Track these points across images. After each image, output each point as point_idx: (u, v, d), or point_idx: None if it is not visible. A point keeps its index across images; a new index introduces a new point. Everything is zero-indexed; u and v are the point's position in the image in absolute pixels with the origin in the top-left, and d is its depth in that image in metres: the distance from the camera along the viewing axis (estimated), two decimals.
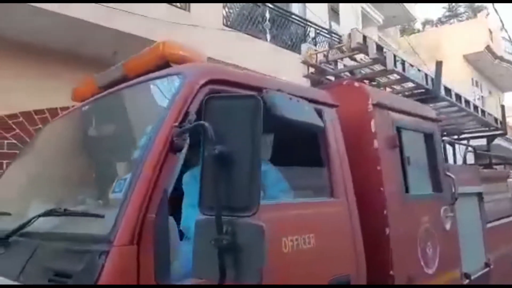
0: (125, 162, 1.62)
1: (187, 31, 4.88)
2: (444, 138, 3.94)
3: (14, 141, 4.07)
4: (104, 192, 1.65)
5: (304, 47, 3.33)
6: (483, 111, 4.90)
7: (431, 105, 4.21)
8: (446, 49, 17.01)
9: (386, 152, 2.65)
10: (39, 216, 1.63)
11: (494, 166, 5.45)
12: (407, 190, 2.79)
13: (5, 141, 4.23)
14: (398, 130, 2.82)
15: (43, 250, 1.57)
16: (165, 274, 1.38)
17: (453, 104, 4.13)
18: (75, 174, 1.96)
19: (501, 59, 17.82)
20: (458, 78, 16.57)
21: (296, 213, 2.04)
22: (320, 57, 3.41)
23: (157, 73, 2.02)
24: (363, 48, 3.02)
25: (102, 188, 1.67)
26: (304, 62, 3.28)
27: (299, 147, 2.41)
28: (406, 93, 3.72)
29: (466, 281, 3.17)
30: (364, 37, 3.06)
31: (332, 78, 3.66)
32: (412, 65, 3.35)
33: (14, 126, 4.31)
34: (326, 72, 3.53)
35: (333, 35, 7.58)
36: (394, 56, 3.12)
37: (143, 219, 1.41)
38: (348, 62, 3.64)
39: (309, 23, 6.95)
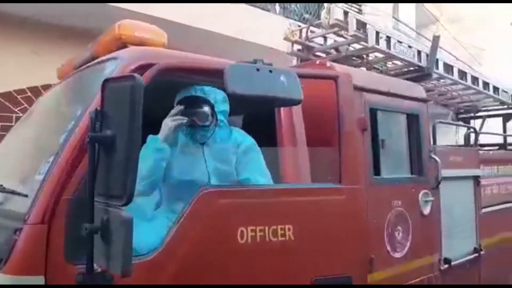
0: (54, 145, 1.70)
1: (189, 5, 4.87)
2: (441, 120, 3.77)
3: (21, 114, 4.32)
4: (38, 172, 1.76)
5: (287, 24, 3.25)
6: (496, 88, 4.60)
7: (433, 82, 4.05)
8: (494, 15, 15.85)
9: (354, 134, 2.59)
10: None
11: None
12: (378, 173, 2.74)
13: (14, 115, 4.50)
14: (373, 111, 2.75)
15: None
16: (73, 255, 1.45)
17: (456, 81, 3.92)
18: (29, 152, 2.09)
19: None
20: (505, 48, 15.50)
21: (270, 201, 1.97)
22: (306, 33, 3.33)
23: (102, 58, 2.07)
24: (342, 25, 2.92)
25: (36, 168, 1.78)
26: (286, 39, 3.22)
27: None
28: (397, 71, 3.57)
29: (445, 266, 3.11)
30: (346, 13, 2.95)
31: (323, 55, 3.59)
32: (400, 42, 3.20)
33: (22, 101, 4.56)
34: (313, 49, 3.46)
35: (353, 4, 7.25)
36: (377, 33, 2.99)
37: (56, 200, 1.50)
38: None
39: None
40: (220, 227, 1.79)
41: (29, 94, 4.62)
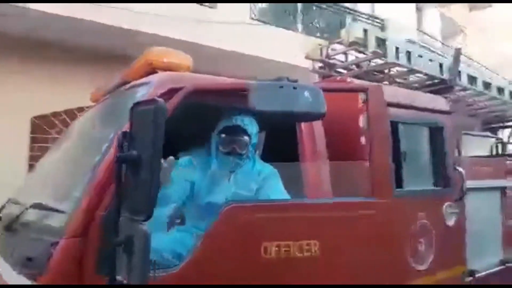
0: (89, 165, 1.83)
1: (214, 27, 5.05)
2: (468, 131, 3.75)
3: (57, 136, 4.57)
4: (74, 190, 1.90)
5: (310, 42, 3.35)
6: None
7: (460, 93, 4.04)
8: None
9: (374, 147, 2.63)
10: (26, 208, 1.93)
11: None
12: (400, 186, 2.76)
13: (49, 136, 4.77)
14: (394, 124, 2.78)
15: (26, 238, 1.87)
16: (103, 268, 1.53)
17: (481, 93, 3.90)
18: (66, 172, 2.25)
19: None
20: None
21: (296, 215, 1.96)
22: (326, 51, 3.42)
23: (134, 83, 2.23)
24: (361, 42, 2.99)
25: (73, 187, 1.92)
26: (308, 57, 3.31)
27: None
28: (420, 84, 3.60)
29: (470, 279, 3.07)
30: (365, 30, 3.02)
31: (344, 71, 3.66)
32: (421, 56, 3.24)
33: (57, 123, 4.83)
34: (335, 66, 3.54)
35: (375, 19, 7.32)
36: (397, 48, 3.04)
37: (91, 216, 1.62)
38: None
39: (344, 8, 6.75)
40: (244, 242, 1.82)
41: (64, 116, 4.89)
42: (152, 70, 2.32)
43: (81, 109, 3.61)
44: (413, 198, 2.78)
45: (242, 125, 2.18)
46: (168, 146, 1.54)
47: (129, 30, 4.60)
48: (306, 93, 1.84)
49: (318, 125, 2.45)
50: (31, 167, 2.91)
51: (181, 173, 2.13)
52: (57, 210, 1.75)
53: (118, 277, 1.42)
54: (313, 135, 2.42)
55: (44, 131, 4.82)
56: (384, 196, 2.26)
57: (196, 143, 2.39)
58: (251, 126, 2.23)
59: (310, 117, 1.97)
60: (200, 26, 4.90)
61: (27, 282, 1.64)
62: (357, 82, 2.79)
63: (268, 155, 2.63)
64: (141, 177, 1.38)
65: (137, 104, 1.52)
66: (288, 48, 5.26)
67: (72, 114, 4.66)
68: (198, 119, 2.20)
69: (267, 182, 2.23)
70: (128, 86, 2.32)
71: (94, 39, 4.73)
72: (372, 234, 2.15)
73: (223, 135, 2.19)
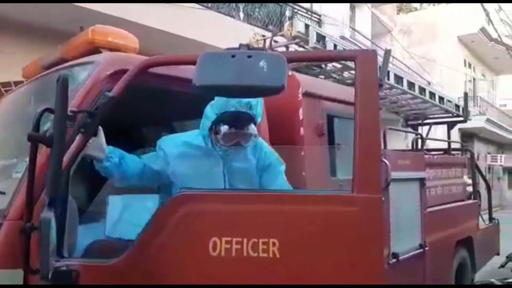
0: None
1: (159, 8, 4.93)
2: (390, 126, 4.09)
3: None
4: (13, 171, 1.82)
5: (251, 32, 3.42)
6: (441, 98, 5.02)
7: (386, 91, 4.36)
8: (442, 29, 16.90)
9: (312, 139, 2.81)
10: None
11: (455, 152, 5.64)
12: (334, 175, 2.97)
13: None
14: (330, 117, 2.97)
15: None
16: (47, 251, 1.45)
17: (405, 91, 4.26)
18: (5, 151, 2.12)
19: (496, 41, 17.64)
20: (451, 59, 16.55)
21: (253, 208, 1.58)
22: (270, 42, 3.52)
23: (77, 61, 2.15)
24: (303, 37, 3.13)
25: (14, 167, 1.83)
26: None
27: None
28: (351, 81, 3.84)
29: (393, 260, 3.38)
30: (307, 26, 3.17)
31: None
32: None
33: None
34: None
35: (313, 14, 7.58)
36: (335, 45, 3.23)
37: (34, 198, 1.56)
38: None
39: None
40: (190, 236, 1.55)
41: None
42: (95, 49, 2.25)
43: (6, 84, 3.37)
44: (345, 186, 3.00)
45: (248, 110, 1.84)
46: (125, 131, 1.50)
47: (66, 5, 4.34)
48: (263, 63, 1.45)
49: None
50: None
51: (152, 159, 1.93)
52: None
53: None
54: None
55: None
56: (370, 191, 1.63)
57: (159, 127, 2.30)
58: (259, 106, 1.88)
59: (265, 91, 1.52)
60: (144, 6, 4.76)
61: None
62: (298, 75, 2.93)
63: None
64: (50, 160, 1.35)
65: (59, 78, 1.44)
66: (231, 36, 5.30)
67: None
68: (157, 101, 2.14)
69: (274, 169, 1.99)
70: (68, 64, 2.23)
71: (28, 11, 4.39)
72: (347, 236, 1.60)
73: (224, 127, 1.82)
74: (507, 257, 4.17)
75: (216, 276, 1.53)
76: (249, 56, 1.46)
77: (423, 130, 5.78)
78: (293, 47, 3.73)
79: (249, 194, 1.72)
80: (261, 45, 3.43)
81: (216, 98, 1.89)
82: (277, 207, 1.58)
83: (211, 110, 1.89)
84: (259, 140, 1.99)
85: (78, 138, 1.61)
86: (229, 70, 1.44)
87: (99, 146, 1.71)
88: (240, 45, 1.53)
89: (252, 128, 1.87)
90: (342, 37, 8.08)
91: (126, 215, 2.15)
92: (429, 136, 5.59)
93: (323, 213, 1.58)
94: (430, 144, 6.07)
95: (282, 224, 1.55)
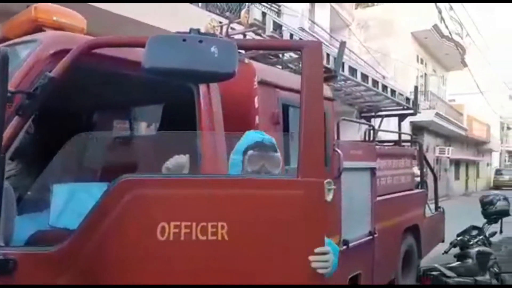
0: None
1: None
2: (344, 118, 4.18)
3: None
4: None
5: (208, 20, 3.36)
6: (393, 91, 5.18)
7: (341, 83, 4.44)
8: (397, 24, 17.44)
9: (267, 128, 2.81)
10: None
11: (405, 144, 5.87)
12: (288, 163, 3.00)
13: None
14: (285, 107, 2.99)
15: None
16: None
17: (359, 83, 4.36)
18: None
19: (447, 38, 18.47)
20: (404, 55, 17.15)
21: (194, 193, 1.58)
22: (226, 29, 3.47)
23: (20, 39, 2.03)
24: (260, 25, 3.11)
25: None
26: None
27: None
28: None
29: (344, 247, 3.49)
30: (264, 14, 3.15)
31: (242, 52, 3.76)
32: None
33: None
34: None
35: (273, 5, 7.57)
36: (291, 35, 3.24)
37: None
38: None
39: None
40: (137, 221, 1.53)
41: None
42: (39, 28, 2.14)
43: None
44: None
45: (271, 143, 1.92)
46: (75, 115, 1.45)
47: None
48: (214, 48, 1.47)
49: (215, 98, 2.51)
50: None
51: None
52: None
53: None
54: (210, 108, 2.46)
55: None
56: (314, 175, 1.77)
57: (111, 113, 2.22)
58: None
59: (216, 77, 1.57)
60: None
61: None
62: (255, 63, 2.92)
63: (166, 128, 2.63)
64: None
65: None
66: (189, 23, 5.19)
67: None
68: (106, 85, 2.06)
69: None
70: (9, 43, 2.10)
71: None
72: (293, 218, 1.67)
73: (251, 152, 1.87)
74: (450, 243, 4.40)
75: (164, 260, 1.52)
76: (200, 41, 1.47)
77: (376, 122, 5.96)
78: (250, 35, 3.71)
79: (198, 179, 1.72)
80: (217, 32, 3.38)
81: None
82: (225, 191, 1.61)
83: (238, 152, 1.94)
84: None
85: (15, 120, 1.52)
86: (180, 54, 1.45)
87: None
88: (191, 29, 1.52)
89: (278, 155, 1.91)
90: (301, 29, 8.15)
91: (72, 204, 2.08)
92: (383, 128, 5.79)
93: (270, 197, 1.64)
94: (382, 136, 6.28)
95: (231, 208, 1.58)
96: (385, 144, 5.61)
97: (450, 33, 17.49)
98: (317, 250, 1.63)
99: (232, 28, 3.51)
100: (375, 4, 19.19)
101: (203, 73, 1.50)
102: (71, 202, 2.08)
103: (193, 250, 1.52)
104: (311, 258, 1.61)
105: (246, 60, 2.93)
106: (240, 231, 1.56)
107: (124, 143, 2.69)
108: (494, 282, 4.06)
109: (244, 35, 3.67)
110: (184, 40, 1.46)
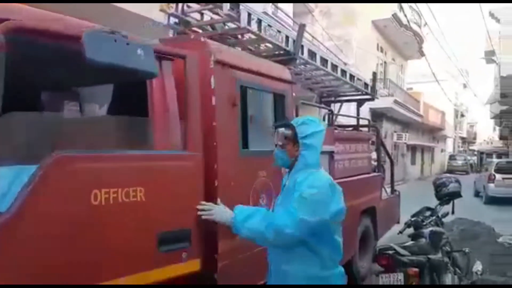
0: None
1: None
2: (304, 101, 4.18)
3: None
4: None
5: None
6: (352, 76, 5.23)
7: (301, 67, 4.42)
8: (358, 12, 17.66)
9: (224, 109, 2.75)
10: None
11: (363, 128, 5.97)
12: (246, 146, 2.96)
13: None
14: (243, 88, 2.94)
15: None
16: None
17: (318, 67, 4.36)
18: None
19: (406, 27, 18.93)
20: (365, 42, 17.45)
21: (119, 166, 2.06)
22: (182, 7, 3.36)
23: None
24: (217, 3, 3.03)
25: None
26: (162, 11, 3.21)
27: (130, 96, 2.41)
28: (268, 53, 3.84)
29: None
30: None
31: (200, 31, 3.66)
32: (270, 25, 3.44)
33: None
34: (190, 24, 3.51)
35: None
36: (249, 14, 3.17)
37: None
38: None
39: None
40: (74, 190, 1.86)
41: None
42: None
43: None
44: (256, 158, 3.02)
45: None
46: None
47: None
48: (139, 51, 1.91)
49: (170, 82, 2.43)
50: None
51: None
52: None
53: None
54: (164, 91, 2.39)
55: None
56: (195, 149, 2.44)
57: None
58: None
59: (141, 75, 2.03)
60: None
61: None
62: (212, 43, 2.83)
63: (118, 109, 2.53)
64: None
65: None
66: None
67: None
68: (52, 63, 1.98)
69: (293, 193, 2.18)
70: None
71: None
72: (183, 182, 2.36)
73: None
74: (405, 223, 4.54)
75: (98, 220, 1.92)
76: (128, 44, 1.88)
77: (335, 107, 6.02)
78: (208, 15, 3.62)
79: (121, 155, 2.13)
80: (173, 10, 3.27)
81: None
82: (140, 163, 2.17)
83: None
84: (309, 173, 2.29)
85: None
86: (116, 51, 1.82)
87: (223, 212, 2.33)
88: (113, 31, 1.85)
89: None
90: (265, 13, 8.07)
91: (16, 187, 1.98)
92: (342, 113, 5.87)
93: (171, 167, 2.31)
94: (342, 121, 6.36)
95: (145, 176, 2.14)
96: (344, 129, 5.69)
97: (408, 21, 17.91)
98: (199, 206, 2.37)
99: (188, 6, 3.41)
100: None
101: (134, 71, 1.91)
102: (14, 184, 1.97)
103: (120, 210, 2.00)
104: (198, 207, 2.37)
105: (202, 39, 2.84)
106: (152, 194, 2.13)
107: (65, 123, 2.56)
108: (446, 260, 4.22)
109: (201, 14, 3.57)
110: (115, 40, 1.83)
